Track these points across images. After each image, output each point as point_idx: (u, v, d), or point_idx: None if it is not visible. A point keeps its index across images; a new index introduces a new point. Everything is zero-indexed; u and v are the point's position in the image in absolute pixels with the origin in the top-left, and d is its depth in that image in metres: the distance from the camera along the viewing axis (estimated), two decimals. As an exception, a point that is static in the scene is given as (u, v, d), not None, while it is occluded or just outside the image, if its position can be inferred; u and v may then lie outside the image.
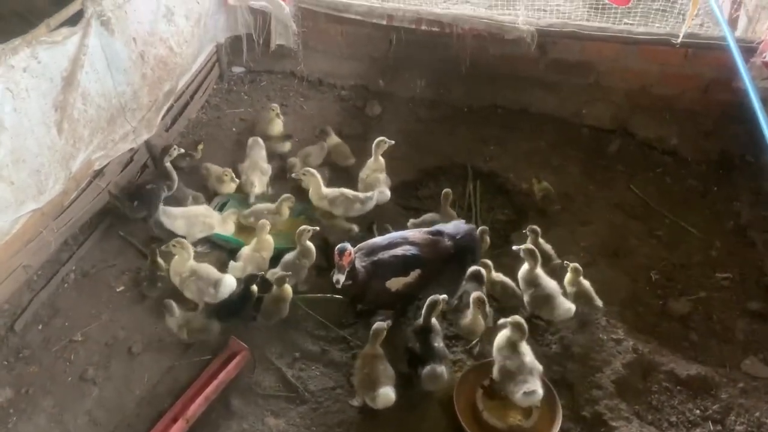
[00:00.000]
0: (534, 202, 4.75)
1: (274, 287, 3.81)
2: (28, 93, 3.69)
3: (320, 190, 4.50)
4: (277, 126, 5.33)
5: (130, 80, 4.50)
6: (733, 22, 5.28)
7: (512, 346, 3.33)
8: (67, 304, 4.00)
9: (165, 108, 5.02)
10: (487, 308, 3.71)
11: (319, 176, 4.53)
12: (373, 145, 4.72)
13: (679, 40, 4.90)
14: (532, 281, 3.81)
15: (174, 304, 3.78)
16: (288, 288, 3.85)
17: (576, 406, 3.44)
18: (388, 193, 4.64)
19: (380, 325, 3.46)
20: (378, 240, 3.83)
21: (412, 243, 3.75)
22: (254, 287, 3.83)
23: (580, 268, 3.88)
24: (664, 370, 3.60)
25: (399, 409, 3.40)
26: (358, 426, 3.38)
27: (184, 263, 3.97)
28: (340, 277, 3.30)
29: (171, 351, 3.74)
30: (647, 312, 3.99)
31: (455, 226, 4.00)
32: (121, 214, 4.50)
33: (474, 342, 3.78)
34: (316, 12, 5.77)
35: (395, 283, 3.65)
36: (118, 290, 4.09)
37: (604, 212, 4.71)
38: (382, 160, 4.75)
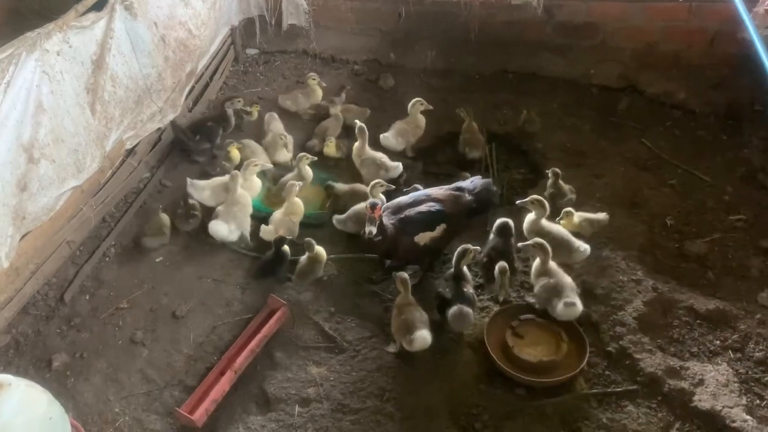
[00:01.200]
0: (546, 156, 4.98)
1: (307, 251, 4.00)
2: (63, 76, 3.87)
3: (364, 148, 4.71)
4: (318, 94, 5.52)
5: (154, 62, 4.67)
6: (735, -25, 5.38)
7: (545, 268, 3.63)
8: (110, 275, 4.21)
9: (187, 89, 5.21)
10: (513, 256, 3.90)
11: (367, 134, 4.73)
12: (410, 105, 4.98)
13: (683, -6, 5.04)
14: (539, 231, 3.96)
15: (160, 212, 4.40)
16: (321, 250, 4.03)
17: (601, 343, 3.62)
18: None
19: (401, 273, 3.68)
20: (403, 198, 4.02)
21: (435, 199, 3.94)
22: (286, 247, 4.02)
23: (572, 209, 4.13)
24: (683, 306, 3.76)
25: (432, 353, 3.60)
26: (395, 370, 3.57)
27: (231, 193, 4.38)
28: (372, 229, 3.51)
29: (213, 312, 3.94)
30: (664, 255, 4.14)
31: (472, 181, 4.18)
32: (185, 149, 5.08)
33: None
34: (325, -11, 5.94)
35: (423, 238, 3.84)
36: (157, 261, 4.29)
37: (618, 166, 4.86)
38: (421, 118, 5.02)
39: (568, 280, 3.64)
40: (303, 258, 3.99)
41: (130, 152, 4.71)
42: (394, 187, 4.44)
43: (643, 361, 3.47)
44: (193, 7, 5.13)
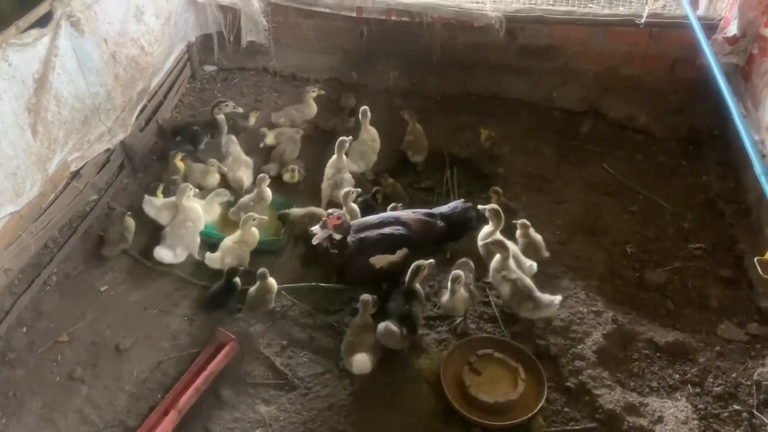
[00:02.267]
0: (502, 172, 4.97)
1: (258, 281, 3.84)
2: (0, 96, 3.67)
3: (339, 162, 4.62)
4: (313, 109, 5.45)
5: (102, 81, 4.49)
6: (694, 2, 5.43)
7: (506, 265, 3.68)
8: (50, 306, 3.99)
9: (139, 108, 5.01)
10: (472, 286, 3.78)
11: (346, 147, 4.68)
12: (360, 114, 4.85)
13: (643, 21, 5.05)
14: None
15: (126, 216, 4.33)
16: (272, 281, 3.88)
17: (560, 378, 3.52)
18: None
19: (366, 296, 3.58)
20: (371, 218, 3.93)
21: (403, 223, 3.83)
22: (237, 280, 3.86)
23: (528, 222, 4.09)
24: (643, 338, 3.71)
25: (388, 389, 3.48)
26: (348, 408, 3.42)
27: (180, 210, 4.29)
28: (317, 230, 3.49)
29: (159, 346, 3.75)
30: (625, 284, 4.09)
31: (451, 206, 4.08)
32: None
33: (458, 321, 3.84)
34: (285, 7, 5.80)
35: (380, 260, 3.74)
36: (101, 290, 4.08)
37: (579, 191, 4.81)
38: (372, 129, 4.88)
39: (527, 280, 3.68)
40: (252, 289, 3.83)
41: (76, 174, 4.49)
42: (359, 190, 4.47)
43: (603, 397, 3.38)
44: (146, 23, 4.95)
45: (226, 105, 5.16)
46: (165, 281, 4.13)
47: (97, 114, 4.50)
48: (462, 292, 3.65)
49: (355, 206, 4.36)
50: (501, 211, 3.97)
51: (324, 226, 3.51)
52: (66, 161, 4.30)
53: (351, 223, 3.81)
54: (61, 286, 4.12)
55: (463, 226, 4.03)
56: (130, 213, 4.36)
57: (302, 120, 5.41)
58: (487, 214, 3.97)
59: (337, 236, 3.57)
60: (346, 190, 4.33)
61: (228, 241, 4.13)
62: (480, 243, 3.98)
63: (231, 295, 3.85)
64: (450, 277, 3.65)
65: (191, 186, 4.40)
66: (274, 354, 3.69)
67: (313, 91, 5.40)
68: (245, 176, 4.78)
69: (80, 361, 3.69)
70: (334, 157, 4.67)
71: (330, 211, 3.57)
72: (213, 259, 4.07)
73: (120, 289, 4.09)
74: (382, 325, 3.48)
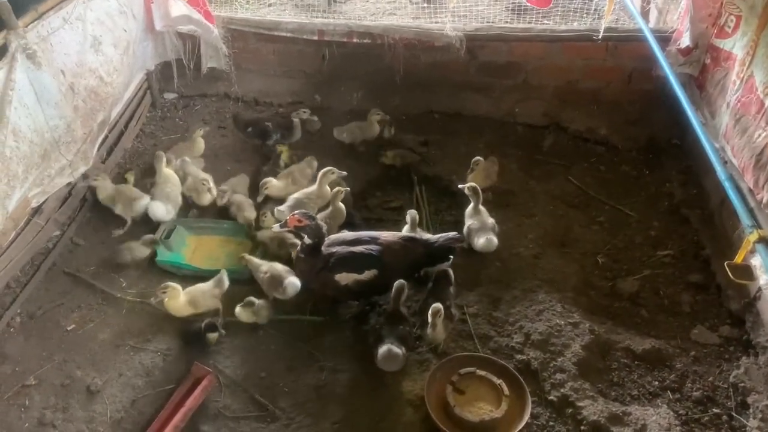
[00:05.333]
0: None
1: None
2: (-44, 133, 3.55)
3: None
4: (375, 129, 5.47)
5: (62, 113, 4.37)
6: (644, 16, 5.61)
7: (476, 209, 4.36)
8: (14, 349, 3.81)
9: (100, 139, 4.91)
10: (452, 308, 3.78)
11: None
12: (319, 175, 4.62)
13: (600, 35, 5.17)
14: (474, 215, 4.39)
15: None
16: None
17: (543, 392, 3.52)
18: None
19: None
20: (347, 235, 3.93)
21: (378, 244, 3.80)
22: (214, 335, 3.79)
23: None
24: (620, 347, 3.74)
25: (372, 416, 3.42)
26: (333, 437, 3.36)
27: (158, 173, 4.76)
28: (275, 227, 3.75)
29: (132, 384, 3.61)
30: (598, 294, 4.15)
31: (442, 235, 4.01)
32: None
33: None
34: (245, 32, 5.78)
35: (345, 278, 3.72)
36: (68, 329, 3.92)
37: (547, 204, 4.88)
38: (328, 189, 4.62)
39: (490, 220, 4.34)
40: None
41: (37, 210, 4.34)
42: (345, 173, 4.62)
43: (586, 408, 3.39)
44: (104, 53, 4.86)
45: (304, 112, 5.53)
46: (135, 317, 4.00)
47: (57, 147, 4.37)
48: (440, 325, 3.62)
49: (341, 206, 4.41)
50: (478, 187, 4.40)
51: (284, 225, 3.65)
52: (26, 197, 4.15)
53: (329, 237, 3.84)
54: (26, 328, 3.95)
55: (443, 255, 3.98)
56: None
57: (362, 138, 5.40)
58: (466, 191, 4.40)
59: (308, 240, 3.66)
60: (335, 189, 4.40)
61: (201, 287, 3.95)
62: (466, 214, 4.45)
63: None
64: (430, 311, 3.59)
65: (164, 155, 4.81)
66: (253, 386, 3.60)
67: (377, 114, 5.42)
68: (206, 197, 4.76)
69: (50, 405, 3.53)
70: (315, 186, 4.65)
71: (296, 211, 3.67)
72: (177, 308, 3.90)
73: (88, 327, 3.94)
74: (384, 349, 3.43)
